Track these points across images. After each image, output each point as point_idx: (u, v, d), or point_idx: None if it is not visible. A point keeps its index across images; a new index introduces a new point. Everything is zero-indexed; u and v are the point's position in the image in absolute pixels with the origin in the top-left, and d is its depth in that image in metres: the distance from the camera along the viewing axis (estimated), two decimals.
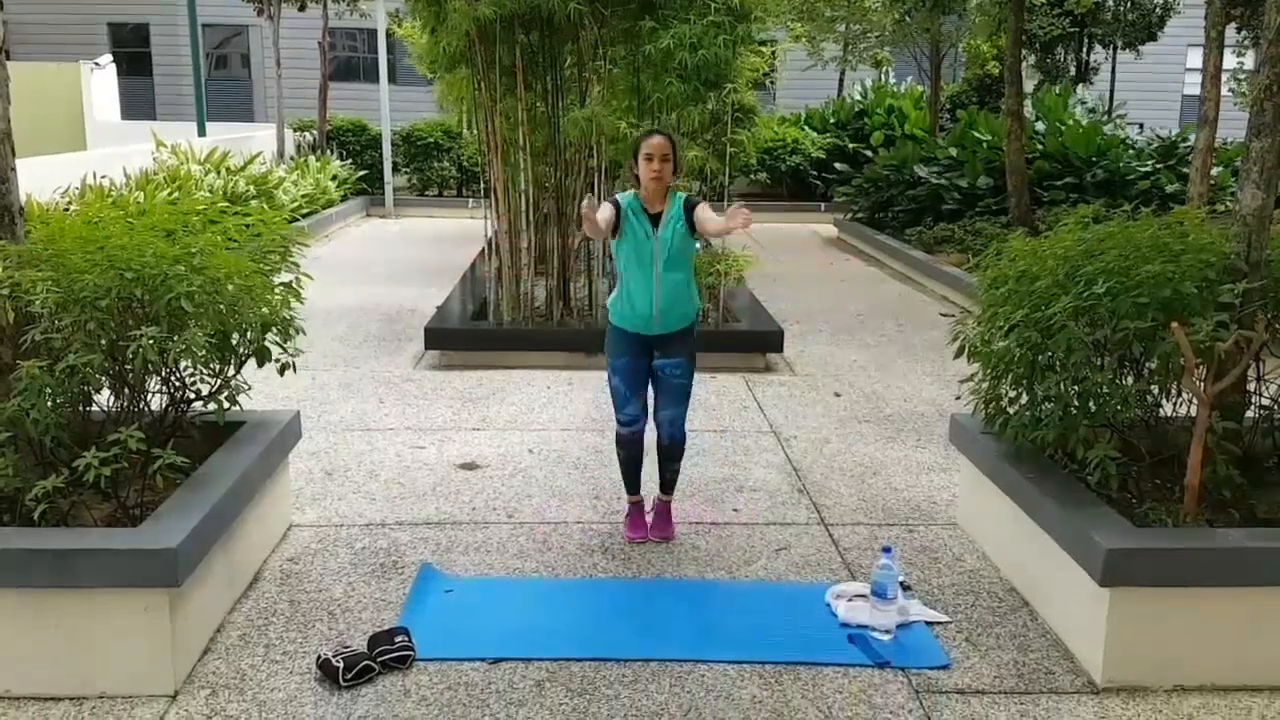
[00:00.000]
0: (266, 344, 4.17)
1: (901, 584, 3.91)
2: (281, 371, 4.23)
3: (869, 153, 17.58)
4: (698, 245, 4.54)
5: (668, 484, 4.61)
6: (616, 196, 4.35)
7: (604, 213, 4.23)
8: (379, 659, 3.42)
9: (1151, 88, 25.13)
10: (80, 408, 3.82)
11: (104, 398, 3.96)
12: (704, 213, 4.26)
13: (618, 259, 4.35)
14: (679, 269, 4.29)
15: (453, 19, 7.36)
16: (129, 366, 3.79)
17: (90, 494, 3.62)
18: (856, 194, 15.65)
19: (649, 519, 4.64)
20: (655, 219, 4.26)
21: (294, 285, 4.34)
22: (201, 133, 17.56)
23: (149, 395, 4.01)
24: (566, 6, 7.16)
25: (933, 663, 3.57)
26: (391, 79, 18.07)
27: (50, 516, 3.42)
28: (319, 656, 3.45)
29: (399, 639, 3.51)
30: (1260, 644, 3.49)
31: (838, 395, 6.95)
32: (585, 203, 4.05)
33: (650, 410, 4.49)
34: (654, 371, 4.41)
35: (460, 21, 7.30)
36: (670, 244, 4.24)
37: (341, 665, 3.37)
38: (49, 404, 3.49)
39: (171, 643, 3.32)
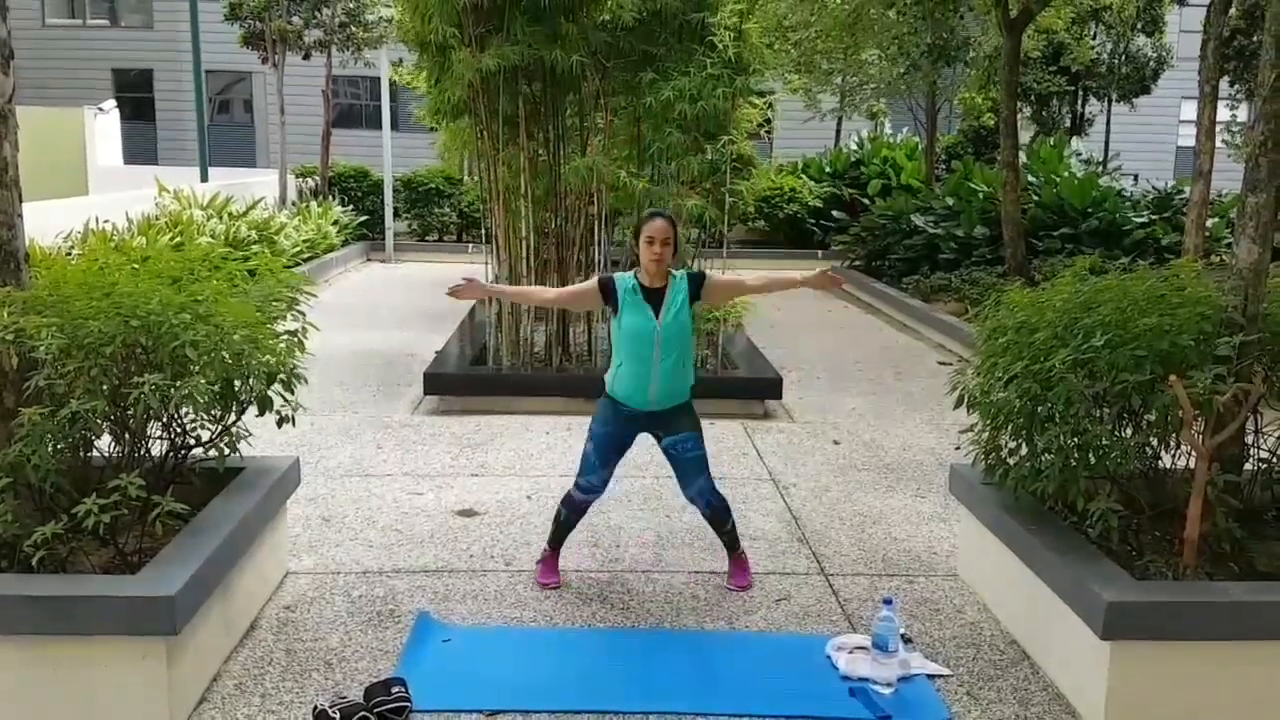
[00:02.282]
0: (269, 394, 4.18)
1: (902, 636, 3.89)
2: (280, 424, 4.22)
3: (866, 201, 17.73)
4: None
5: (730, 544, 4.60)
6: (613, 277, 4.35)
7: (584, 287, 4.39)
8: (375, 710, 3.39)
9: (1146, 139, 25.44)
10: (81, 453, 3.82)
11: (104, 443, 3.96)
12: (723, 280, 4.45)
13: (615, 340, 4.35)
14: (679, 351, 4.29)
15: (457, 69, 7.46)
16: (131, 413, 3.80)
17: (89, 540, 3.61)
18: (854, 242, 15.77)
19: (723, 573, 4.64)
20: (656, 299, 4.27)
21: (299, 335, 4.35)
22: (204, 178, 17.69)
23: (149, 441, 4.01)
24: (569, 59, 7.27)
25: (934, 717, 3.55)
26: (394, 126, 18.25)
27: (49, 563, 3.41)
28: (315, 707, 3.42)
29: (396, 689, 3.48)
30: (1261, 697, 3.47)
31: (837, 443, 6.95)
32: (456, 286, 4.29)
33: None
34: (666, 452, 4.42)
35: (464, 72, 7.40)
36: (672, 328, 4.25)
37: (338, 716, 3.34)
38: (50, 450, 3.50)
39: (168, 691, 3.30)
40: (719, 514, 4.50)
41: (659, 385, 4.26)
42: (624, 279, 4.32)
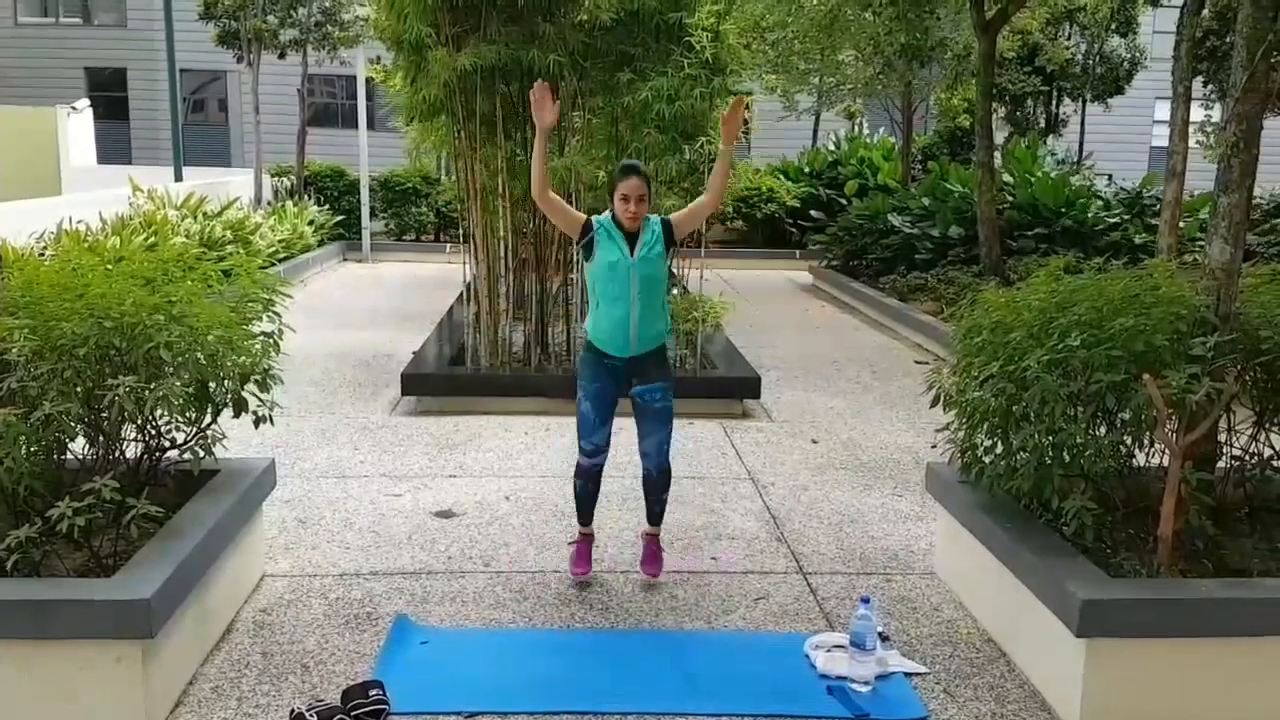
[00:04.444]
0: (244, 395, 4.16)
1: (880, 634, 3.91)
2: (257, 424, 4.21)
3: (843, 201, 17.80)
4: (672, 290, 4.60)
5: (656, 515, 4.61)
6: (590, 217, 4.39)
7: (577, 214, 4.40)
8: (353, 713, 3.38)
9: (1120, 139, 25.64)
10: (54, 456, 3.79)
11: (78, 445, 3.93)
12: (684, 211, 4.45)
13: (592, 280, 4.39)
14: (654, 288, 4.35)
15: (433, 69, 7.43)
16: (105, 415, 3.77)
17: (63, 544, 3.58)
18: (831, 242, 15.82)
19: (636, 555, 4.65)
20: (631, 240, 4.31)
21: (275, 336, 4.33)
22: (178, 178, 17.57)
23: (124, 443, 3.98)
24: (546, 59, 7.25)
25: (911, 714, 3.57)
26: (370, 125, 18.16)
27: (22, 566, 3.38)
28: (292, 710, 3.40)
29: (373, 692, 3.47)
30: (1234, 694, 3.51)
31: (815, 442, 6.97)
32: (537, 87, 4.22)
33: (635, 444, 4.49)
34: (634, 400, 4.44)
35: (440, 71, 7.38)
36: (646, 262, 4.30)
37: (315, 719, 3.32)
38: (23, 453, 3.46)
39: (144, 695, 3.28)
40: (664, 477, 4.51)
41: (637, 325, 4.29)
42: (601, 219, 4.35)
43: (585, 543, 4.65)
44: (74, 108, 20.55)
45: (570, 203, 7.87)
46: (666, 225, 4.38)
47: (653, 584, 4.58)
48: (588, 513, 4.63)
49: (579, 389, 4.45)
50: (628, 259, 4.28)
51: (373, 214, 17.74)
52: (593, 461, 4.48)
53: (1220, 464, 4.33)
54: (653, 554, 4.62)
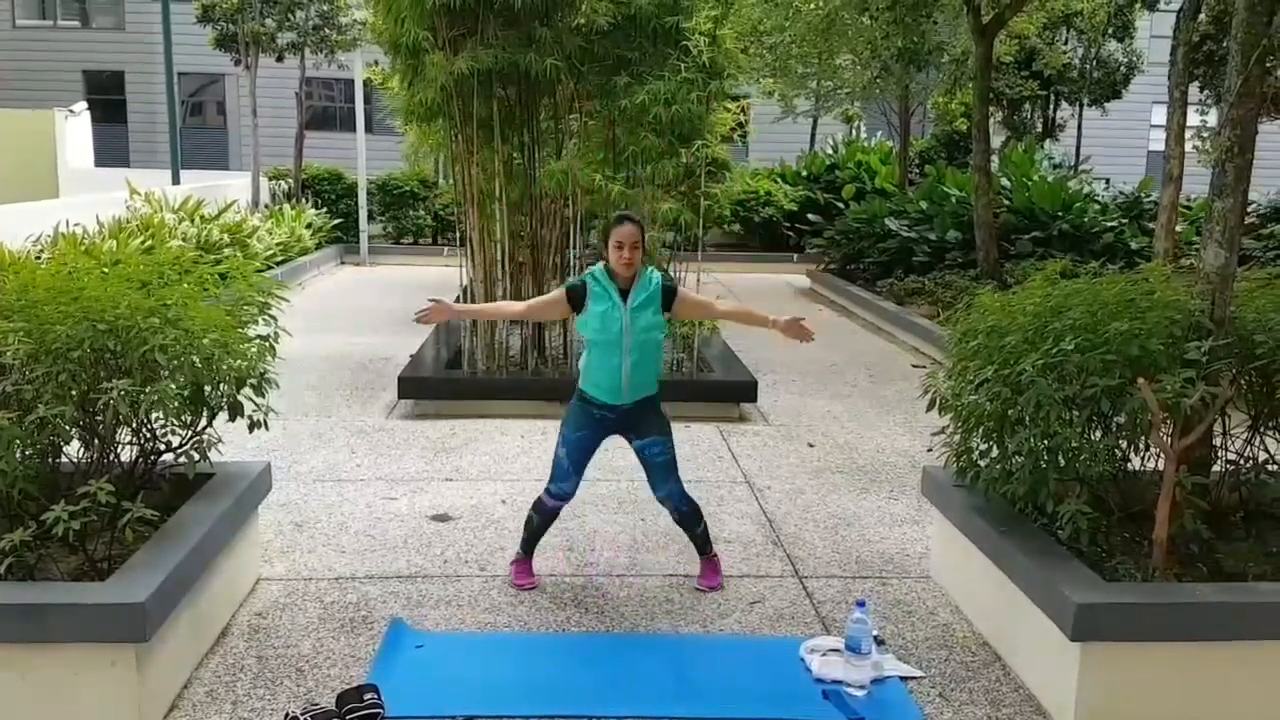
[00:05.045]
0: (240, 399, 4.15)
1: (875, 638, 3.91)
2: (251, 429, 4.21)
3: (841, 205, 17.81)
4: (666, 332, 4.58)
5: (702, 545, 4.61)
6: (581, 279, 4.36)
7: (553, 296, 4.42)
8: (347, 717, 3.37)
9: (1117, 144, 25.66)
10: (49, 459, 3.78)
11: (73, 448, 3.93)
12: (694, 299, 4.49)
13: (583, 330, 4.37)
14: (647, 341, 4.31)
15: (430, 73, 7.44)
16: (100, 418, 3.76)
17: (58, 547, 3.57)
18: (828, 246, 15.84)
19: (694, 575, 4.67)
20: (624, 290, 4.28)
21: (270, 340, 4.32)
22: (176, 181, 17.55)
23: (119, 447, 3.98)
24: (543, 63, 7.26)
25: (907, 718, 3.56)
26: (368, 128, 18.18)
27: (17, 570, 3.37)
28: (287, 714, 3.40)
29: (368, 696, 3.46)
30: (1229, 698, 3.51)
31: (811, 445, 6.97)
32: (424, 310, 4.28)
33: (650, 491, 4.52)
34: (637, 453, 4.45)
35: (437, 75, 7.38)
36: (639, 315, 4.26)
37: None
38: (18, 456, 3.46)
39: (138, 698, 3.28)
40: (688, 519, 4.53)
41: (629, 375, 4.27)
42: (593, 270, 4.35)
43: (525, 562, 4.63)
44: (71, 110, 20.53)
45: (567, 207, 7.93)
46: (669, 292, 4.35)
47: (647, 588, 4.58)
48: (533, 544, 4.62)
49: (560, 434, 4.43)
50: (620, 308, 4.25)
51: (370, 217, 17.74)
52: (555, 504, 4.49)
53: (1215, 468, 4.33)
54: (711, 571, 4.62)
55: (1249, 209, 10.17)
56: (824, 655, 3.90)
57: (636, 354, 4.27)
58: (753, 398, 7.77)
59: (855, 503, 5.83)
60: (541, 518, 4.54)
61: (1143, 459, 4.17)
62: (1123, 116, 23.56)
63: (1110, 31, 19.58)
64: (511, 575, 4.60)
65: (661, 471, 4.43)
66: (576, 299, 4.31)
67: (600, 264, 4.37)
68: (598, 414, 4.36)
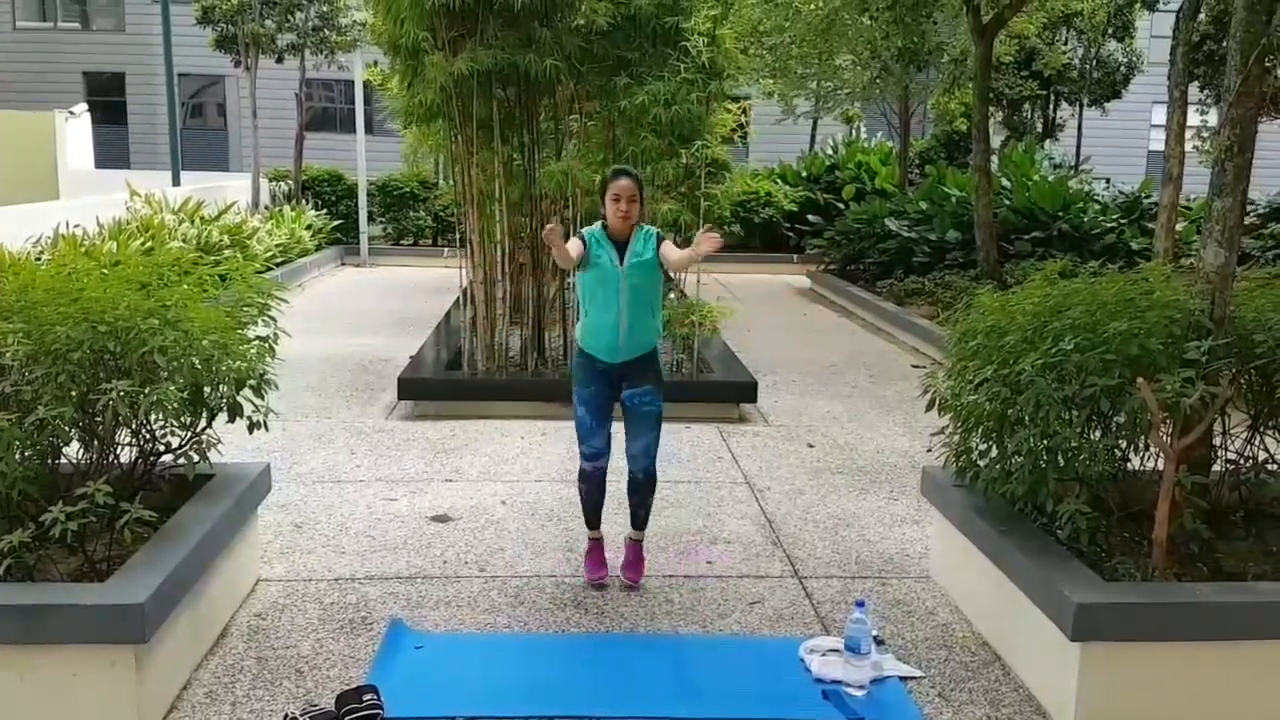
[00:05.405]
0: (239, 400, 4.15)
1: (875, 638, 3.91)
2: (251, 430, 4.21)
3: (841, 205, 17.81)
4: (668, 286, 4.59)
5: (639, 520, 4.61)
6: (582, 231, 4.41)
7: (574, 248, 4.31)
8: (346, 718, 3.37)
9: (1117, 144, 25.66)
10: (48, 460, 3.78)
11: (73, 449, 3.93)
12: (667, 249, 4.37)
13: (582, 288, 4.41)
14: (644, 297, 4.35)
15: (430, 73, 7.44)
16: (99, 419, 3.76)
17: (57, 548, 3.57)
18: (829, 246, 15.84)
19: (617, 560, 4.65)
20: (621, 249, 4.33)
21: (270, 342, 4.32)
22: (176, 182, 17.57)
23: (118, 448, 3.98)
24: (543, 63, 7.26)
25: (906, 719, 3.56)
26: (368, 129, 18.18)
27: (16, 571, 3.37)
28: (286, 715, 3.40)
29: (367, 697, 3.46)
30: (1229, 697, 3.51)
31: (811, 446, 6.97)
32: (549, 227, 4.11)
33: (624, 446, 4.50)
34: (623, 404, 4.46)
35: (437, 76, 7.38)
36: (636, 271, 4.31)
37: None
38: (17, 457, 3.46)
39: (137, 700, 3.28)
40: (649, 480, 4.51)
41: (626, 332, 4.30)
42: (591, 230, 4.38)
43: (596, 546, 4.65)
44: (72, 112, 20.55)
45: (567, 206, 7.93)
46: (661, 239, 4.38)
47: (648, 588, 4.57)
48: (594, 517, 4.64)
49: (574, 395, 4.47)
50: (616, 267, 4.29)
51: (370, 218, 17.75)
52: (595, 465, 4.50)
53: (1215, 467, 4.33)
54: (634, 560, 4.62)
55: (1248, 209, 10.18)
56: (824, 655, 3.90)
57: (632, 312, 4.30)
58: (753, 398, 7.76)
59: (855, 503, 5.82)
60: (589, 486, 4.55)
61: (1142, 459, 4.17)
62: (1123, 116, 23.57)
63: (1110, 31, 19.59)
64: (585, 570, 4.61)
65: (644, 422, 4.43)
66: (584, 241, 4.34)
67: (598, 224, 4.38)
68: (600, 366, 4.39)
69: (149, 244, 10.59)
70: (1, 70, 25.30)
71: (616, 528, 4.85)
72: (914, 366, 9.75)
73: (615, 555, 4.80)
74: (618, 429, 4.52)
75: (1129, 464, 4.16)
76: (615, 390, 4.45)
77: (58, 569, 3.56)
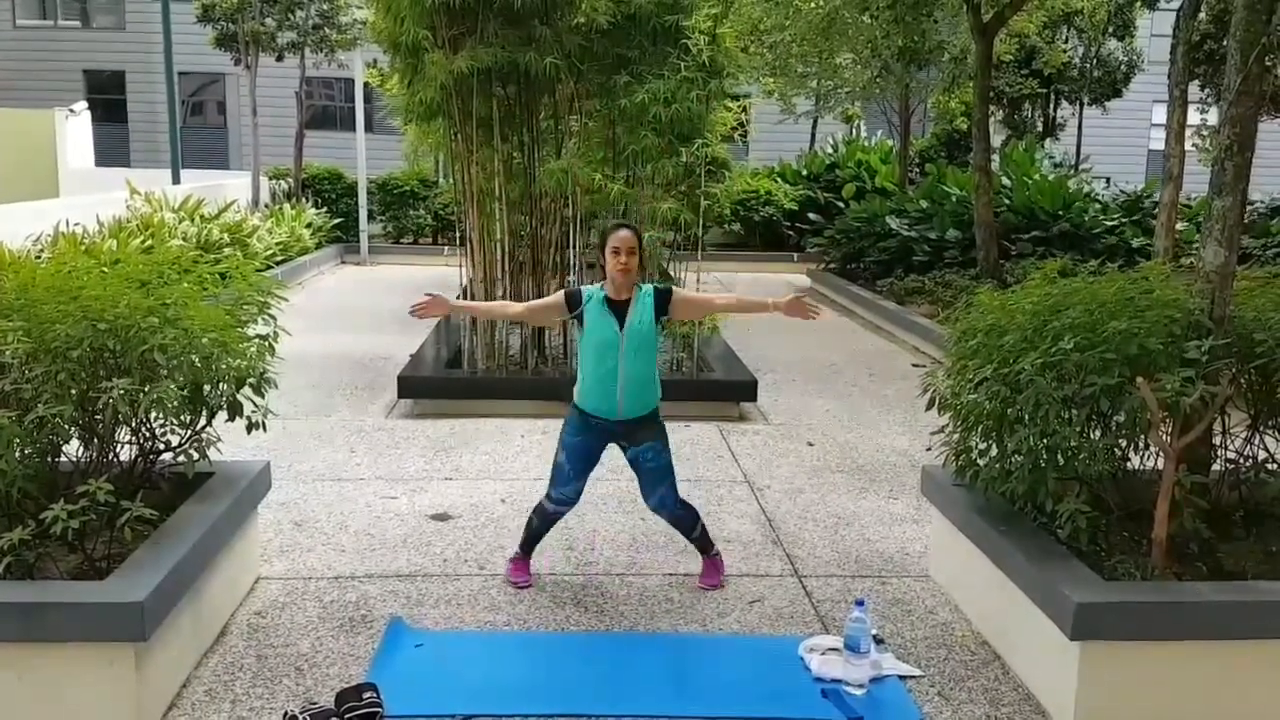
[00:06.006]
0: (239, 398, 4.15)
1: (874, 637, 3.91)
2: (249, 430, 4.21)
3: (841, 204, 17.80)
4: (662, 335, 4.59)
5: (701, 547, 4.62)
6: (579, 289, 4.38)
7: (552, 306, 4.44)
8: (346, 715, 3.37)
9: (1117, 143, 25.63)
10: (48, 458, 3.78)
11: (73, 447, 3.93)
12: (691, 297, 4.46)
13: (581, 352, 4.38)
14: (643, 360, 4.31)
15: (430, 71, 7.44)
16: (99, 417, 3.76)
17: (57, 546, 3.57)
18: (829, 245, 15.83)
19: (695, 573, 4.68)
20: (621, 310, 4.29)
21: (270, 340, 4.32)
22: (176, 180, 17.56)
23: (118, 446, 3.98)
24: (543, 61, 7.26)
25: (906, 718, 3.56)
26: (368, 128, 18.17)
27: (16, 569, 3.37)
28: (286, 713, 3.40)
29: (367, 695, 3.46)
30: (1228, 696, 3.51)
31: (811, 445, 6.97)
32: (420, 303, 4.27)
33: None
34: (630, 461, 4.45)
35: (437, 74, 7.38)
36: (636, 337, 4.27)
37: None
38: (17, 455, 3.46)
39: (137, 697, 3.28)
40: (683, 523, 4.54)
41: (626, 395, 4.27)
42: (590, 291, 4.34)
43: (523, 561, 4.64)
44: (72, 110, 20.54)
45: (566, 205, 7.92)
46: (661, 296, 4.34)
47: (647, 587, 4.58)
48: (532, 546, 4.63)
49: (560, 440, 4.44)
50: (617, 335, 4.26)
51: (370, 216, 17.75)
52: (556, 509, 4.50)
53: (1215, 467, 4.33)
54: (711, 570, 4.63)
55: (1249, 207, 10.17)
56: (823, 654, 3.90)
57: (632, 379, 4.27)
58: (753, 397, 7.77)
59: (855, 502, 5.82)
60: (541, 521, 4.55)
61: (1142, 458, 4.17)
62: (1123, 115, 23.53)
63: (1110, 30, 19.57)
64: (509, 572, 4.61)
65: (651, 478, 4.43)
66: (574, 302, 4.32)
67: (599, 285, 4.35)
68: (595, 423, 4.36)
69: (149, 242, 10.59)
70: (1, 68, 25.28)
71: (627, 526, 4.84)
72: (914, 365, 9.74)
73: (614, 554, 4.81)
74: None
75: (1129, 463, 4.16)
76: (606, 443, 4.43)
77: (58, 567, 3.56)
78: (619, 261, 4.24)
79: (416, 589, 4.51)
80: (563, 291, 4.45)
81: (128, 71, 26.45)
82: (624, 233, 4.27)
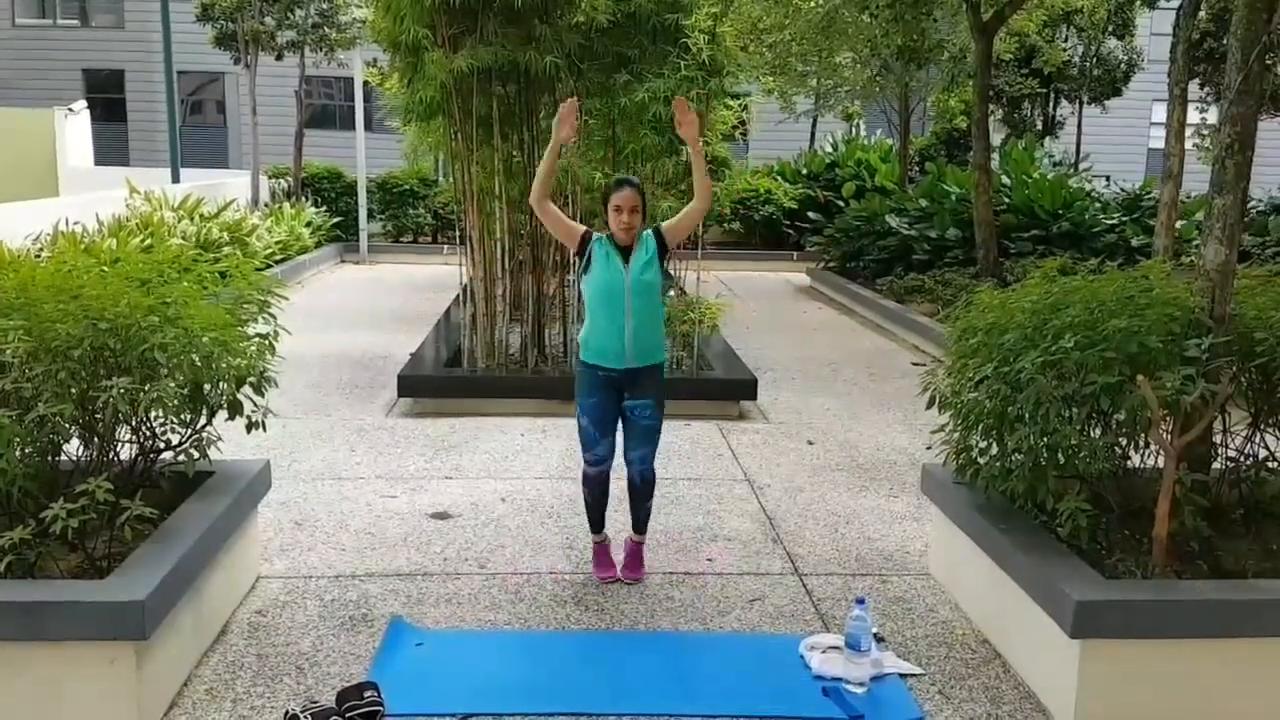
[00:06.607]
0: (239, 397, 4.15)
1: (875, 635, 3.91)
2: (249, 429, 4.21)
3: (841, 202, 17.80)
4: (669, 291, 4.62)
5: (639, 522, 4.64)
6: (592, 231, 4.45)
7: (576, 227, 4.49)
8: (347, 714, 3.37)
9: (1117, 141, 25.64)
10: (49, 457, 3.78)
11: (73, 446, 3.93)
12: (676, 217, 4.50)
13: (587, 295, 4.43)
14: (649, 303, 4.36)
15: (429, 70, 7.43)
16: (99, 416, 3.76)
17: (57, 545, 3.57)
18: (828, 243, 15.83)
19: (619, 559, 4.68)
20: (625, 254, 4.35)
21: (270, 339, 4.32)
22: (175, 179, 17.55)
23: (118, 445, 3.98)
24: (543, 60, 7.26)
25: (906, 716, 3.56)
26: (367, 127, 18.16)
27: (16, 568, 3.37)
28: (287, 712, 3.40)
29: (368, 694, 3.46)
30: (1228, 695, 3.51)
31: (811, 443, 6.97)
32: (566, 104, 4.31)
33: (621, 450, 4.54)
34: (623, 412, 4.47)
35: (437, 73, 7.38)
36: (641, 277, 4.32)
37: None
38: (17, 454, 3.46)
39: (137, 696, 3.28)
40: (647, 486, 4.56)
41: (631, 338, 4.30)
42: (599, 236, 4.40)
43: (601, 549, 4.68)
44: (71, 109, 20.53)
45: (566, 206, 7.92)
46: (658, 234, 4.42)
47: (648, 585, 4.58)
48: (598, 520, 4.67)
49: (577, 405, 4.48)
50: (622, 275, 4.31)
51: (370, 215, 17.74)
52: (598, 470, 4.53)
53: (1215, 465, 4.33)
54: (634, 559, 4.65)
55: (1249, 206, 10.17)
56: (824, 652, 3.90)
57: (638, 317, 4.31)
58: (753, 395, 7.77)
59: (855, 500, 5.83)
60: (591, 489, 4.59)
61: (1142, 456, 4.17)
62: (1123, 114, 23.53)
63: (1110, 29, 19.55)
64: (593, 569, 4.64)
65: (641, 434, 4.47)
66: (585, 242, 4.39)
67: (605, 232, 4.42)
68: (602, 374, 4.39)
69: (149, 241, 10.59)
70: (1, 67, 25.27)
71: (627, 525, 4.85)
72: (914, 364, 9.75)
73: (615, 554, 4.81)
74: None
75: (1129, 461, 4.16)
76: (619, 398, 4.45)
77: (58, 566, 3.56)
78: (621, 220, 4.28)
79: (417, 588, 4.51)
80: (586, 228, 4.49)
81: (127, 70, 26.44)
82: (626, 191, 4.30)
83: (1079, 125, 21.56)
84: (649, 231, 4.43)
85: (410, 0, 7.35)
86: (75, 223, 10.98)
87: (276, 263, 13.76)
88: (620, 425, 4.51)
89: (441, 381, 7.77)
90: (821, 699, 3.65)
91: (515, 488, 5.85)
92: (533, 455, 6.47)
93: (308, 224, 16.04)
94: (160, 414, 3.92)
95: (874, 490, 6.02)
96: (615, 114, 7.72)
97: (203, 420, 4.12)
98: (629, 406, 4.44)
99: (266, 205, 17.17)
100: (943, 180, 15.22)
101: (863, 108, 20.34)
